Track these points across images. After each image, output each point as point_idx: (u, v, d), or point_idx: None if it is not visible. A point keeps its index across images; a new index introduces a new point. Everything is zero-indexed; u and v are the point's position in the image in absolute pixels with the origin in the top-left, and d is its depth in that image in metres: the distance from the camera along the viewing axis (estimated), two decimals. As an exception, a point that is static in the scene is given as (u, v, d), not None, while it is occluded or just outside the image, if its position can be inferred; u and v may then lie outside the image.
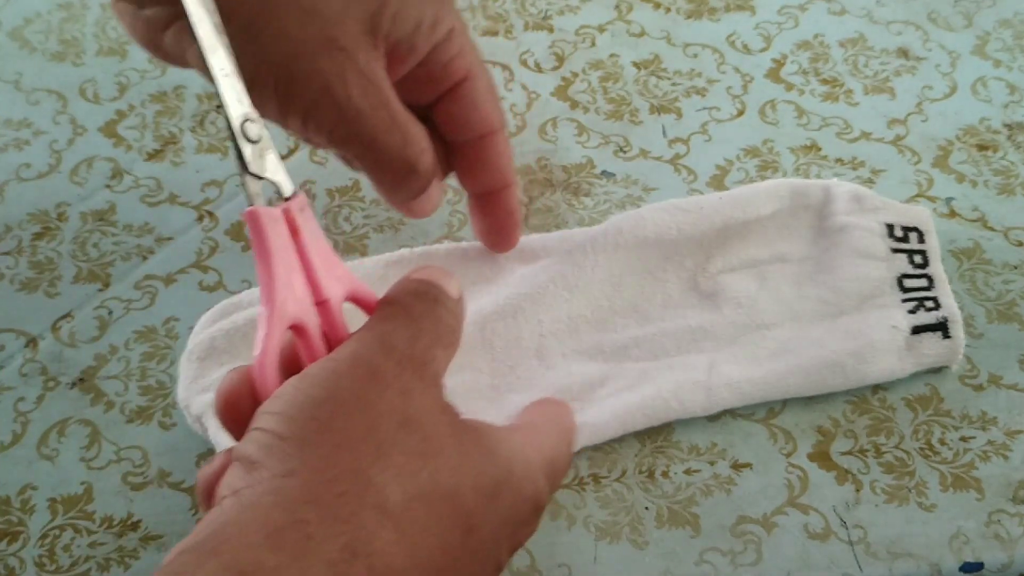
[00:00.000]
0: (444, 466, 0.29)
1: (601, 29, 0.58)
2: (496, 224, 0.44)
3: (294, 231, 0.32)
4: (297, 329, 0.31)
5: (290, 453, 0.27)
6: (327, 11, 0.35)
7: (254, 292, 0.44)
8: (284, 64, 0.35)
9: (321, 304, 0.32)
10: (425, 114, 0.40)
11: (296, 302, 0.31)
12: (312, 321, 0.32)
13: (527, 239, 0.47)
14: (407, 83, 0.39)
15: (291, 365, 0.32)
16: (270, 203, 0.32)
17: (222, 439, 0.39)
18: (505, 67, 0.56)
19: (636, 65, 0.56)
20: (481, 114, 0.40)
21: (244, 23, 0.34)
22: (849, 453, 0.42)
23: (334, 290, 0.32)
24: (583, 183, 0.51)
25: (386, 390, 0.29)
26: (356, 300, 0.34)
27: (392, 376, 0.29)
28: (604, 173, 0.51)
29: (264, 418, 0.28)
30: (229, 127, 0.32)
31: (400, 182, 0.39)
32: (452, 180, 0.51)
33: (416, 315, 0.32)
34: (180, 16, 0.34)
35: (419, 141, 0.38)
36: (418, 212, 0.41)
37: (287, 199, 0.32)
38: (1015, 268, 0.47)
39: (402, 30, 0.37)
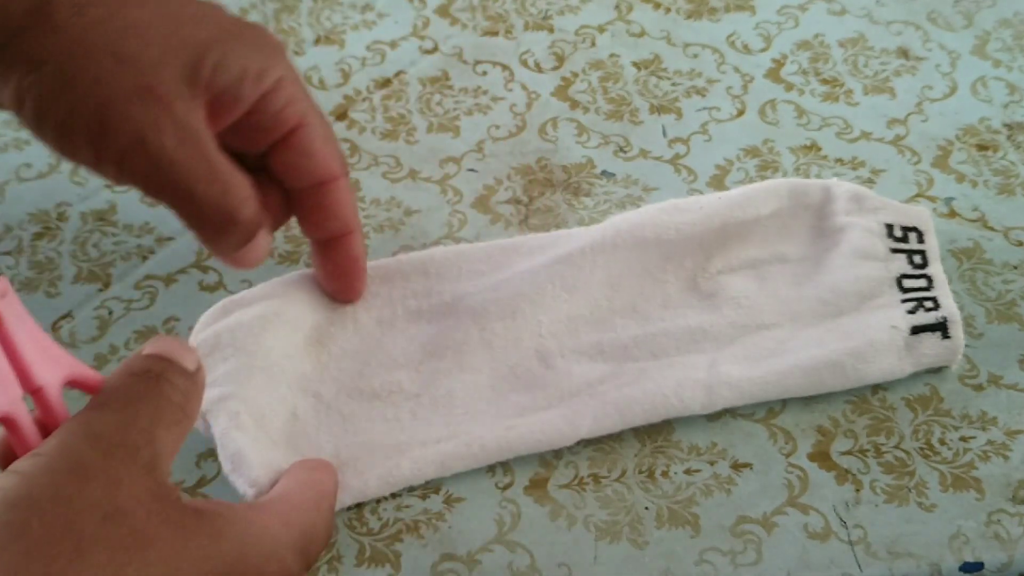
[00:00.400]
0: (156, 558, 0.27)
1: (601, 29, 0.58)
2: (338, 270, 0.43)
3: None
4: (6, 422, 0.30)
5: None
6: (143, 59, 0.34)
7: (255, 290, 0.44)
8: (97, 111, 0.34)
9: (35, 392, 0.30)
10: (261, 163, 0.39)
11: None
12: (23, 412, 0.30)
13: (526, 239, 0.47)
14: (238, 132, 0.38)
15: (7, 460, 0.30)
16: None
17: (227, 437, 0.39)
18: (505, 67, 0.56)
19: (636, 65, 0.56)
20: (316, 161, 0.39)
21: (56, 69, 0.33)
22: (849, 453, 0.42)
23: (49, 376, 0.31)
24: (583, 183, 0.51)
25: (89, 483, 0.28)
26: (77, 384, 0.32)
27: (98, 467, 0.28)
28: (604, 173, 0.51)
29: None
30: None
31: (220, 233, 0.37)
32: (458, 179, 0.51)
33: (132, 397, 0.31)
34: None
35: (240, 191, 0.37)
36: (242, 263, 0.39)
37: None
38: (1015, 268, 0.47)
39: (225, 79, 0.36)
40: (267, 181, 0.40)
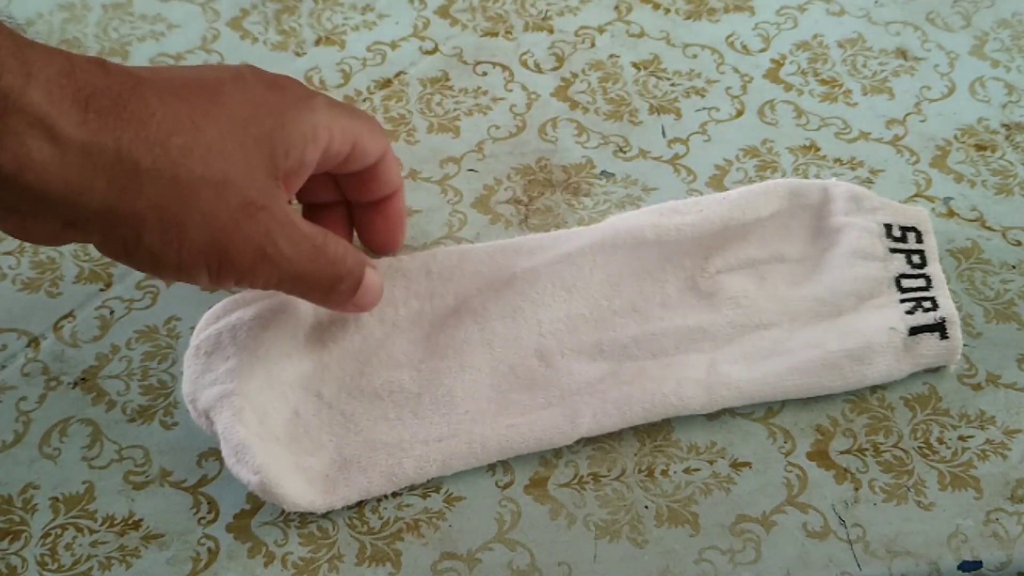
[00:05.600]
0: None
1: (601, 30, 0.58)
2: (386, 224, 0.46)
3: None
4: None
5: None
6: (234, 176, 0.35)
7: (257, 290, 0.44)
8: (214, 243, 0.35)
9: None
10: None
11: None
12: None
13: (526, 239, 0.47)
14: (350, 187, 0.44)
15: None
16: None
17: (230, 430, 0.39)
18: (505, 68, 0.56)
19: (636, 66, 0.56)
20: (389, 182, 0.44)
21: (160, 218, 0.34)
22: (848, 452, 0.42)
23: None
24: (583, 183, 0.51)
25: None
26: None
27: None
28: (604, 173, 0.51)
29: None
30: None
31: (332, 292, 0.40)
32: (458, 181, 0.51)
33: None
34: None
35: (342, 256, 0.39)
36: (364, 306, 0.42)
37: None
38: (1013, 268, 0.48)
39: (294, 157, 0.38)
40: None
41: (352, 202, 0.46)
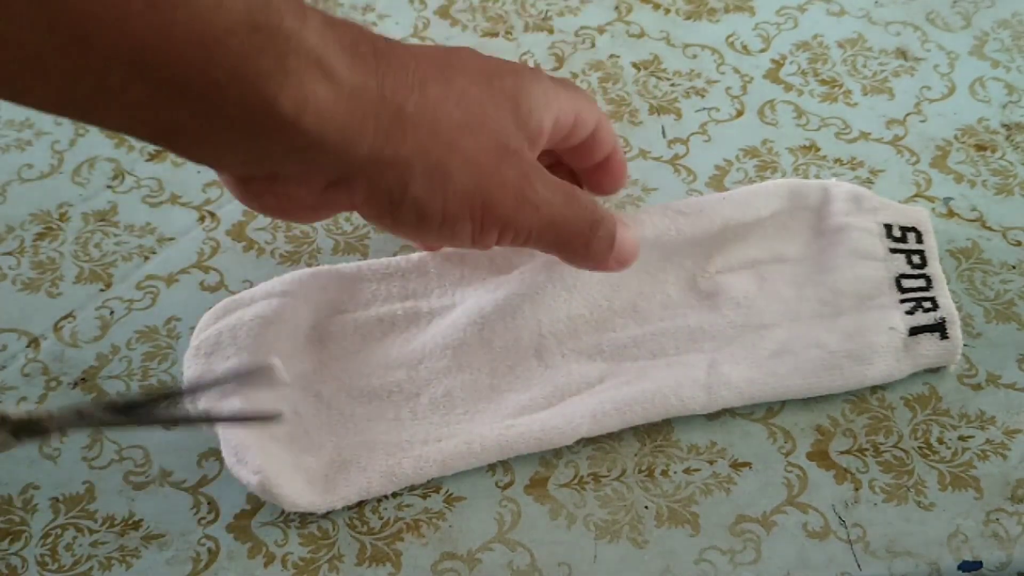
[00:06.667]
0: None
1: (601, 30, 0.58)
2: (608, 176, 0.44)
3: None
4: None
5: None
6: (490, 122, 0.36)
7: (255, 290, 0.44)
8: (477, 190, 0.35)
9: None
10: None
11: None
12: None
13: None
14: (572, 157, 0.42)
15: None
16: None
17: (229, 433, 0.40)
18: (505, 68, 0.56)
19: (636, 66, 0.56)
20: (607, 143, 0.42)
21: (425, 163, 0.34)
22: (848, 452, 0.42)
23: None
24: (583, 183, 0.51)
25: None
26: None
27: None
28: (604, 173, 0.51)
29: None
30: None
31: (592, 241, 0.39)
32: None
33: None
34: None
35: (593, 202, 0.39)
36: (624, 259, 0.41)
37: None
38: (1013, 268, 0.48)
39: (535, 120, 0.37)
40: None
41: (575, 168, 0.44)
